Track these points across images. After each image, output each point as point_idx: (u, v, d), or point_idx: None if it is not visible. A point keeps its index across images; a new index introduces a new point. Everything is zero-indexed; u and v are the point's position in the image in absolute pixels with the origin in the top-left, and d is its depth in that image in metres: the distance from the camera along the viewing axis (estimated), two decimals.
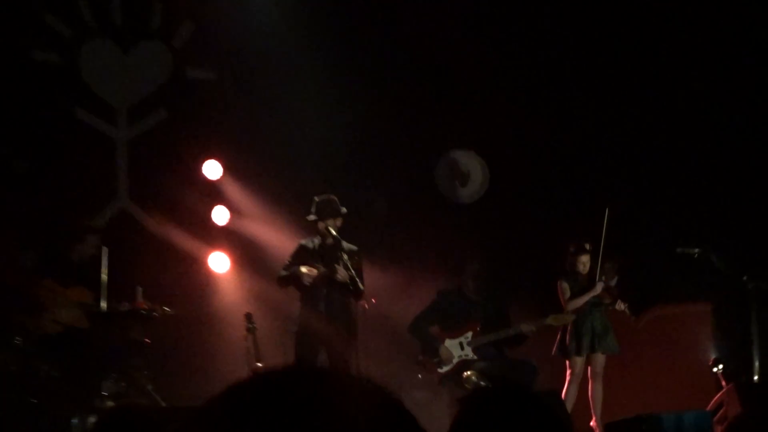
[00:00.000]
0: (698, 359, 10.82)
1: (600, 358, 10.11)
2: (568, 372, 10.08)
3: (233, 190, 11.60)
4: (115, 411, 4.30)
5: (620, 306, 10.16)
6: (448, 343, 10.13)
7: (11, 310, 9.51)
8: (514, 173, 11.70)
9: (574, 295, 10.05)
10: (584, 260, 10.10)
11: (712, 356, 10.49)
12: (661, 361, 11.03)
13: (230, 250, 11.58)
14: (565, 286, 10.10)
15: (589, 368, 10.12)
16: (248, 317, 10.23)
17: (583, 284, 10.08)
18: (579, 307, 10.03)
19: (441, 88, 11.64)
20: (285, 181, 11.43)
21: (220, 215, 11.56)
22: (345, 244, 9.62)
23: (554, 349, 10.19)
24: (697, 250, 10.12)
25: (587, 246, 10.10)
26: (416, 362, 10.40)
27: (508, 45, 11.50)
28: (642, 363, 11.02)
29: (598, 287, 10.01)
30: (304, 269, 9.49)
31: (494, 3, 11.63)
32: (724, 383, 9.66)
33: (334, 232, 9.54)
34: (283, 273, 9.76)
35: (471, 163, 12.19)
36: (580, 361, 10.05)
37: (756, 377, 10.04)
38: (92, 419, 8.97)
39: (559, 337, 10.14)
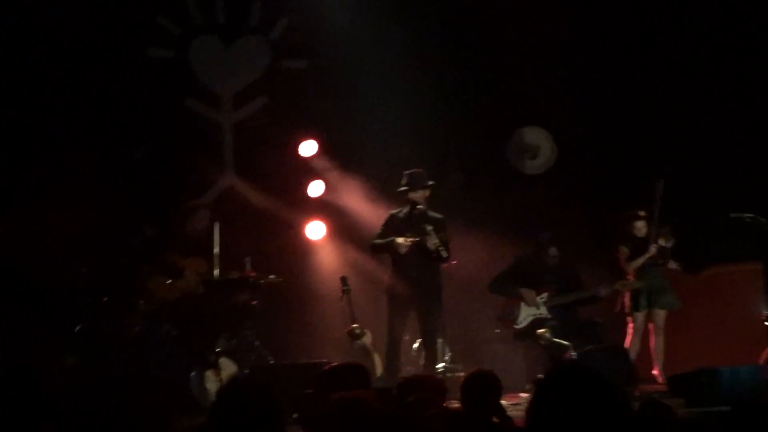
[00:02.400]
0: (750, 315, 10.82)
1: (660, 314, 10.34)
2: (630, 326, 10.33)
3: (327, 165, 11.78)
4: (233, 382, 4.45)
5: (672, 265, 10.40)
6: (524, 303, 10.37)
7: (136, 277, 9.94)
8: (579, 146, 11.82)
9: (632, 257, 10.30)
10: (639, 226, 10.33)
11: (764, 312, 10.66)
12: (716, 317, 11.04)
13: (325, 219, 11.78)
14: (623, 250, 10.35)
15: (650, 324, 10.34)
16: (343, 280, 10.49)
17: (640, 247, 10.31)
18: (637, 267, 10.26)
19: (512, 68, 11.57)
20: (373, 157, 11.64)
21: (316, 188, 11.76)
22: (431, 213, 9.74)
23: (618, 306, 10.41)
24: (748, 215, 10.20)
25: (642, 213, 10.32)
26: (496, 319, 10.67)
27: (574, 27, 11.52)
28: (698, 319, 11.03)
29: (653, 249, 10.25)
30: (400, 240, 9.58)
31: None
32: None
33: (422, 203, 9.68)
34: (378, 241, 9.85)
35: (539, 137, 12.28)
36: (640, 316, 10.31)
37: None
38: (208, 373, 9.45)
39: (620, 296, 10.37)
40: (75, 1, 10.84)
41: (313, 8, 11.60)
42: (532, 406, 3.02)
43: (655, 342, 10.31)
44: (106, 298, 9.78)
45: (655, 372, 10.21)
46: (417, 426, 4.12)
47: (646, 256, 10.26)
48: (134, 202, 10.82)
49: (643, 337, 10.36)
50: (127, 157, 11.26)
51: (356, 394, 3.48)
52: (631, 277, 10.27)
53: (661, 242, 10.27)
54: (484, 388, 5.36)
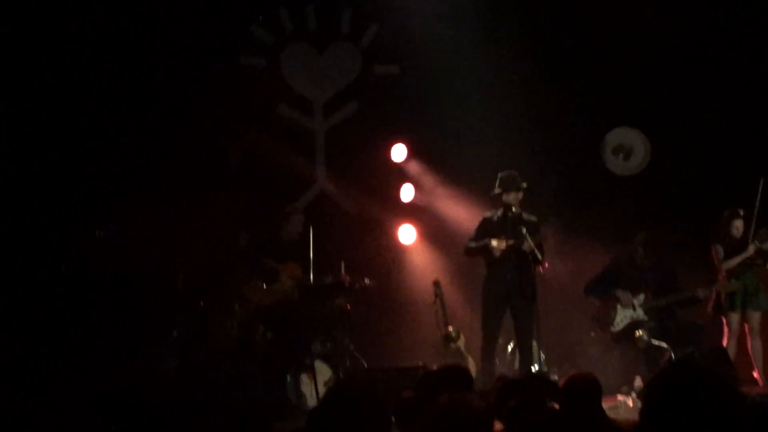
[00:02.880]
0: None
1: (755, 315, 10.10)
2: (725, 329, 10.10)
3: (418, 169, 11.76)
4: (341, 383, 4.48)
5: None
6: (620, 305, 10.20)
7: (233, 282, 10.03)
8: (674, 147, 11.60)
9: (728, 256, 10.06)
10: (738, 225, 10.09)
11: None
12: None
13: (416, 223, 11.77)
14: (719, 249, 10.14)
15: (746, 325, 10.09)
16: (436, 284, 10.50)
17: (736, 247, 10.10)
18: (732, 267, 9.99)
19: (604, 68, 11.55)
20: (464, 160, 11.56)
21: (407, 192, 11.74)
22: (525, 216, 9.70)
23: (709, 308, 10.19)
24: None
25: (741, 212, 10.08)
26: (592, 321, 10.50)
27: (669, 24, 11.29)
28: None
29: (750, 249, 10.02)
30: (494, 242, 9.57)
31: None
32: None
33: (515, 205, 9.63)
34: (472, 244, 9.84)
35: (633, 138, 12.10)
36: (735, 317, 10.07)
37: None
38: (304, 376, 9.46)
39: (714, 297, 10.14)
40: (171, 11, 10.95)
41: (403, 14, 11.59)
42: (647, 406, 2.95)
43: (753, 344, 10.07)
44: (202, 304, 9.85)
45: (755, 374, 9.96)
46: (521, 427, 4.03)
47: (743, 255, 10.02)
48: (230, 208, 10.84)
49: (741, 341, 10.09)
50: (223, 164, 11.33)
51: (462, 397, 3.42)
52: (721, 278, 10.02)
53: (760, 244, 10.00)
54: (585, 391, 5.23)
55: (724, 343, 10.00)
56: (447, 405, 3.38)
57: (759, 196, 9.91)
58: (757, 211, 9.97)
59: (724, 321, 10.12)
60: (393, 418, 5.59)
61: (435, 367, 5.49)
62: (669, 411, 2.89)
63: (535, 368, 9.72)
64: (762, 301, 10.11)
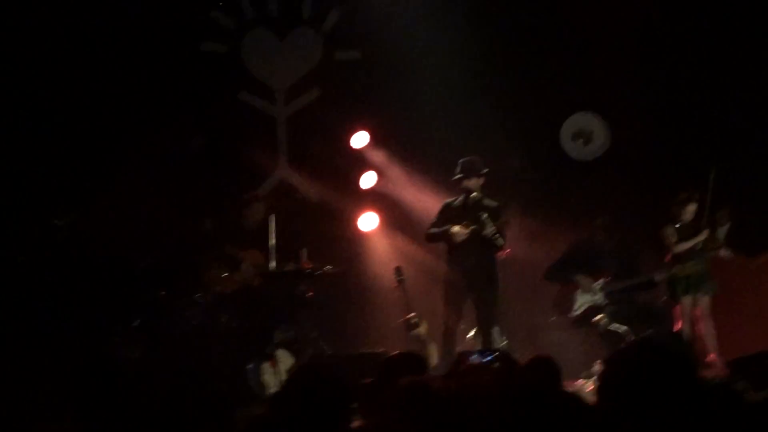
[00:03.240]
0: None
1: (704, 300, 10.05)
2: (678, 313, 10.06)
3: (380, 156, 11.69)
4: (303, 368, 4.47)
5: (724, 253, 10.10)
6: (580, 289, 10.20)
7: (194, 270, 9.96)
8: (633, 132, 11.56)
9: (681, 240, 10.03)
10: (691, 209, 10.06)
11: None
12: None
13: (378, 210, 11.72)
14: (670, 231, 10.07)
15: (698, 309, 10.05)
16: (398, 270, 10.46)
17: (689, 231, 10.04)
18: (684, 251, 9.99)
19: (565, 55, 11.56)
20: (425, 147, 11.52)
21: (368, 179, 11.70)
22: (486, 201, 9.68)
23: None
24: None
25: (696, 195, 10.06)
26: (552, 306, 10.51)
27: (628, 13, 11.28)
28: (758, 302, 10.81)
29: (704, 233, 9.98)
30: (455, 228, 9.55)
31: None
32: None
33: (476, 191, 9.61)
34: (433, 230, 9.82)
35: (593, 123, 12.11)
36: (688, 301, 10.01)
37: None
38: (265, 364, 9.41)
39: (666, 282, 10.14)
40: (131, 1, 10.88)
41: None
42: (604, 382, 2.98)
43: (705, 327, 10.01)
44: (164, 292, 9.77)
45: (711, 357, 9.96)
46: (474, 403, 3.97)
47: (696, 239, 9.99)
48: (191, 195, 10.82)
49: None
50: (184, 149, 11.20)
51: (421, 379, 3.40)
52: (669, 260, 10.01)
53: (719, 225, 10.00)
54: (545, 373, 5.21)
55: (677, 327, 9.97)
56: (406, 387, 3.35)
57: (710, 184, 9.92)
58: (710, 195, 9.96)
59: (676, 306, 10.09)
60: (354, 405, 5.59)
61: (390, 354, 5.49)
62: (626, 387, 2.88)
63: None
64: (709, 284, 10.08)
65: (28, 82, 10.56)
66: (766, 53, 11.19)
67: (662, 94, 11.47)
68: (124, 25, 10.80)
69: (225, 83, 11.64)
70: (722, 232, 10.09)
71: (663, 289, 10.20)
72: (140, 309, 9.70)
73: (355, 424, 4.77)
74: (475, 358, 6.25)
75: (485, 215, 9.47)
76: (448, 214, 9.75)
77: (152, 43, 10.93)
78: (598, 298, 10.12)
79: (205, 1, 11.57)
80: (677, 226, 10.10)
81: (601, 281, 10.16)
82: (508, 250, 10.14)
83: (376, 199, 11.75)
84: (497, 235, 9.40)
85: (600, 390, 3.04)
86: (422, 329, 10.20)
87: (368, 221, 11.72)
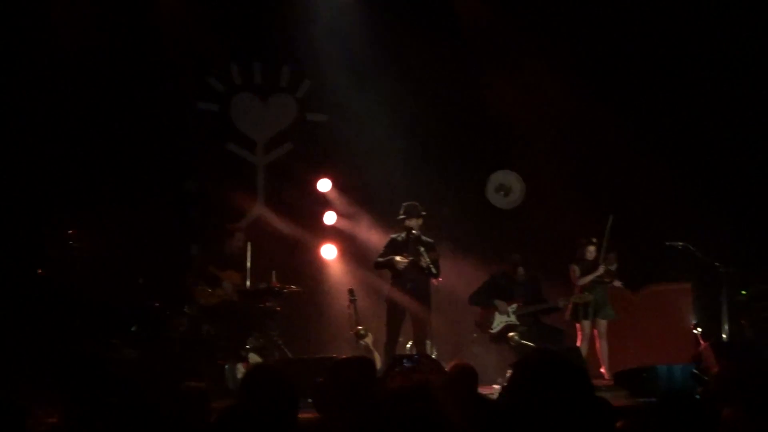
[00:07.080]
0: (682, 324, 10.73)
1: (602, 323, 10.16)
2: (579, 333, 10.16)
3: (339, 199, 11.73)
4: (257, 368, 4.47)
5: (617, 283, 10.42)
6: (498, 312, 10.21)
7: (183, 286, 9.86)
8: (544, 187, 11.70)
9: (583, 275, 10.16)
10: (591, 250, 10.21)
11: (692, 322, 10.62)
12: (654, 326, 10.88)
13: (337, 243, 11.71)
14: (575, 269, 10.22)
15: (595, 331, 10.17)
16: (351, 292, 10.42)
17: (589, 267, 10.18)
18: (585, 284, 10.11)
19: (491, 124, 11.69)
20: (375, 193, 11.53)
21: (330, 217, 11.72)
22: (424, 238, 9.65)
23: (567, 315, 10.25)
24: (681, 244, 10.21)
25: (593, 239, 10.20)
26: (475, 325, 10.51)
27: (540, 90, 11.49)
28: (640, 327, 10.92)
29: (600, 269, 10.13)
30: (398, 258, 9.51)
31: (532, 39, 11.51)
32: (701, 342, 9.73)
33: (416, 229, 9.59)
34: (380, 260, 9.75)
35: (512, 179, 12.23)
36: (587, 324, 10.11)
37: (725, 337, 10.02)
38: (240, 365, 9.30)
39: (570, 307, 10.19)
40: (144, 64, 10.80)
41: (331, 72, 11.59)
42: (511, 385, 2.93)
43: (600, 346, 10.13)
44: (157, 303, 9.66)
45: (602, 370, 10.04)
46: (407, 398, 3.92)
47: (595, 274, 10.13)
48: (183, 225, 10.81)
49: (591, 343, 10.17)
50: (180, 189, 11.19)
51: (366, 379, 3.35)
52: (577, 291, 10.13)
53: (608, 265, 10.16)
54: (464, 376, 5.19)
55: (578, 344, 10.06)
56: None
57: (608, 227, 10.04)
58: (606, 239, 10.11)
59: (578, 327, 10.18)
60: (310, 400, 5.53)
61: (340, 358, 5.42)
62: (529, 385, 2.86)
63: None
64: (608, 311, 10.21)
65: (56, 123, 10.35)
66: (650, 131, 11.40)
67: (569, 157, 11.59)
68: (138, 85, 10.72)
69: (215, 136, 11.62)
70: (613, 268, 10.24)
71: (564, 312, 10.25)
72: (137, 317, 9.55)
73: (309, 416, 4.72)
74: (406, 362, 6.22)
75: (423, 249, 9.45)
76: (393, 247, 9.72)
77: (157, 101, 10.86)
78: (512, 319, 10.12)
79: (201, 69, 11.54)
80: (580, 264, 10.22)
81: (514, 305, 10.18)
82: (440, 279, 10.11)
83: (335, 233, 11.75)
84: (432, 266, 9.40)
85: (507, 389, 2.99)
86: (368, 339, 10.16)
87: (328, 251, 11.71)
